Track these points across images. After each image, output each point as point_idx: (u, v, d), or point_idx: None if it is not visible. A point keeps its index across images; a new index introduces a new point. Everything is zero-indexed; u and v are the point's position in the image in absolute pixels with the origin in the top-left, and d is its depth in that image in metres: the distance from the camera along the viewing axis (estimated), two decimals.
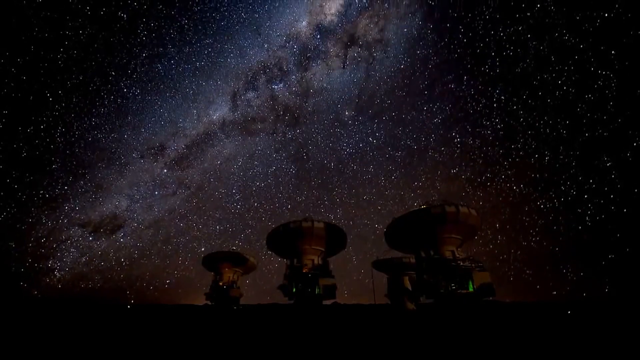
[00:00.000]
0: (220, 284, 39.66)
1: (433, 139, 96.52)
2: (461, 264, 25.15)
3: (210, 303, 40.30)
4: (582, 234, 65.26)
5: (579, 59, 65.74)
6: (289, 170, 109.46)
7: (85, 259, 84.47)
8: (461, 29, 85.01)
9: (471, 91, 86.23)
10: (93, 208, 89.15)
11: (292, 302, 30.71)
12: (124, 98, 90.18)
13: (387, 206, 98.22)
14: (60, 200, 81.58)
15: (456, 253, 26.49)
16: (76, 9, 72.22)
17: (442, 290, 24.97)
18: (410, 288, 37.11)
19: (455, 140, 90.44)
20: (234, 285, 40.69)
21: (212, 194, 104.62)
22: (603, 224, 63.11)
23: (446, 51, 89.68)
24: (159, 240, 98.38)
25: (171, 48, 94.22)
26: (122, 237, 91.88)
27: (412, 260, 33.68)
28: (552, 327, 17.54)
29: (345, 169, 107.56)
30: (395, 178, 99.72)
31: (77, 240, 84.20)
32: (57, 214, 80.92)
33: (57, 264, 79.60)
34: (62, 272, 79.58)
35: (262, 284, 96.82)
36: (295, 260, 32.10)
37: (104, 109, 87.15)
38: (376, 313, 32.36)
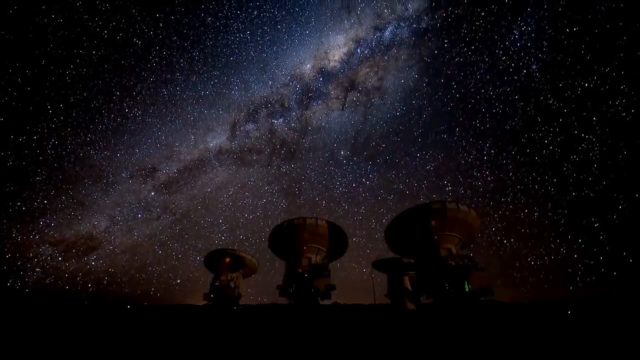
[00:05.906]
0: (218, 284, 39.47)
1: (425, 186, 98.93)
2: (453, 263, 25.01)
3: (209, 303, 40.10)
4: (573, 294, 65.83)
5: (563, 122, 71.24)
6: (280, 204, 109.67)
7: (50, 280, 77.24)
8: (454, 85, 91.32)
9: (462, 143, 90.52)
10: (70, 226, 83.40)
11: (292, 302, 30.74)
12: (124, 118, 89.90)
13: (376, 250, 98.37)
14: (37, 214, 76.62)
15: (453, 251, 26.37)
16: (94, 31, 75.10)
17: (439, 290, 24.85)
18: (410, 288, 37.02)
19: (447, 189, 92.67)
20: (234, 285, 40.44)
21: (197, 222, 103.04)
22: (593, 286, 63.96)
23: (440, 104, 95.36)
24: (134, 267, 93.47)
25: (179, 76, 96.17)
26: (94, 260, 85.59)
27: (412, 260, 33.71)
28: (552, 327, 17.46)
29: (337, 208, 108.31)
30: (386, 222, 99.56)
31: (45, 259, 77.41)
32: (30, 228, 75.48)
33: (17, 283, 72.42)
34: (21, 293, 74.10)
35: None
36: (292, 260, 32.28)
37: (102, 126, 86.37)
38: (376, 313, 32.26)
